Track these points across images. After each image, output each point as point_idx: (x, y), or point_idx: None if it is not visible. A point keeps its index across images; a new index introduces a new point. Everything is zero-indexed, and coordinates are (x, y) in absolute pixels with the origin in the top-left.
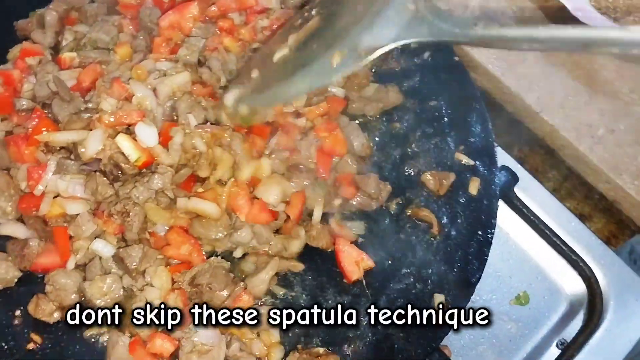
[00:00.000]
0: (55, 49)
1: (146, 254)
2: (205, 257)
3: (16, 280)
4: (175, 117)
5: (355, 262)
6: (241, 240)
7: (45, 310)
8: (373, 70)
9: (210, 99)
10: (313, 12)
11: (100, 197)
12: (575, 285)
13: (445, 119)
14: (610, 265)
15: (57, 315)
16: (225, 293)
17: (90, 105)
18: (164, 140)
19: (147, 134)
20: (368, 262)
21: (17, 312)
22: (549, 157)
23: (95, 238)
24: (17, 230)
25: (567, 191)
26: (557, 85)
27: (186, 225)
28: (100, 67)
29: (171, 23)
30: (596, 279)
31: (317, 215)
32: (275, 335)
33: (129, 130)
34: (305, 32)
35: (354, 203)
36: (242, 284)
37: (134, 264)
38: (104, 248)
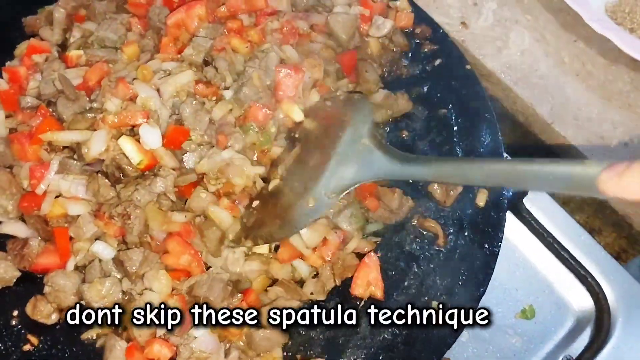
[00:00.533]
0: (63, 47)
1: (146, 257)
2: (204, 268)
3: (15, 280)
4: (180, 120)
5: (367, 282)
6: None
7: (43, 311)
8: (385, 71)
9: (214, 98)
10: (297, 135)
11: (102, 199)
12: (583, 300)
13: (455, 127)
14: (620, 280)
15: (54, 317)
16: (222, 305)
17: (95, 104)
18: (168, 142)
19: (151, 136)
20: (377, 292)
21: (15, 313)
22: None
23: (96, 240)
24: (18, 229)
25: (577, 204)
26: (570, 96)
27: (182, 231)
28: (107, 66)
29: (177, 22)
30: (604, 295)
31: (352, 246)
32: (278, 353)
33: (133, 131)
34: (290, 159)
35: (373, 215)
36: (239, 295)
37: (134, 267)
38: (104, 250)
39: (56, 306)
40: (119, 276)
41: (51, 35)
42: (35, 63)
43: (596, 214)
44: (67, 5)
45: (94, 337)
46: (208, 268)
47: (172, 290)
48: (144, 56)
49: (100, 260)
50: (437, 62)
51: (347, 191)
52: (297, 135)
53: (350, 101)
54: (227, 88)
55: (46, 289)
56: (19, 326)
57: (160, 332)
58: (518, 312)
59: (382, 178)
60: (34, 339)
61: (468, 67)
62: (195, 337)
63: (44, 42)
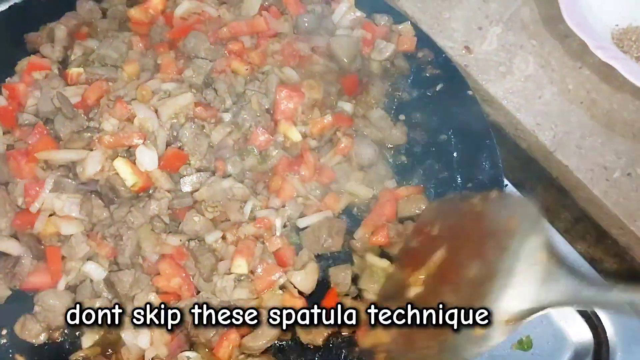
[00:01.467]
0: (64, 64)
1: (137, 279)
2: (195, 292)
3: (5, 298)
4: (177, 143)
5: None
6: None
7: (32, 331)
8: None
9: (213, 121)
10: (435, 231)
11: (95, 219)
12: (581, 333)
13: (455, 154)
14: (620, 316)
15: (43, 337)
16: (210, 333)
17: (92, 123)
18: (165, 164)
19: (147, 158)
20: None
21: (4, 332)
22: (562, 197)
23: (87, 260)
24: (11, 247)
25: (579, 233)
26: (573, 124)
27: (175, 254)
28: (107, 85)
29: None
30: (603, 328)
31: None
32: None
33: (129, 152)
34: (433, 265)
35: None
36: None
37: (124, 289)
38: (96, 271)
39: (45, 326)
40: (109, 297)
41: (52, 53)
42: (35, 80)
43: (597, 244)
44: (69, 23)
45: (83, 358)
46: (198, 292)
47: None
48: (144, 75)
49: (91, 281)
50: (439, 86)
51: (529, 318)
52: (433, 231)
53: (510, 202)
54: (226, 110)
55: (36, 309)
56: (7, 345)
57: (150, 354)
58: (515, 343)
59: (569, 304)
60: (21, 359)
61: (470, 92)
62: (188, 357)
63: (45, 59)
